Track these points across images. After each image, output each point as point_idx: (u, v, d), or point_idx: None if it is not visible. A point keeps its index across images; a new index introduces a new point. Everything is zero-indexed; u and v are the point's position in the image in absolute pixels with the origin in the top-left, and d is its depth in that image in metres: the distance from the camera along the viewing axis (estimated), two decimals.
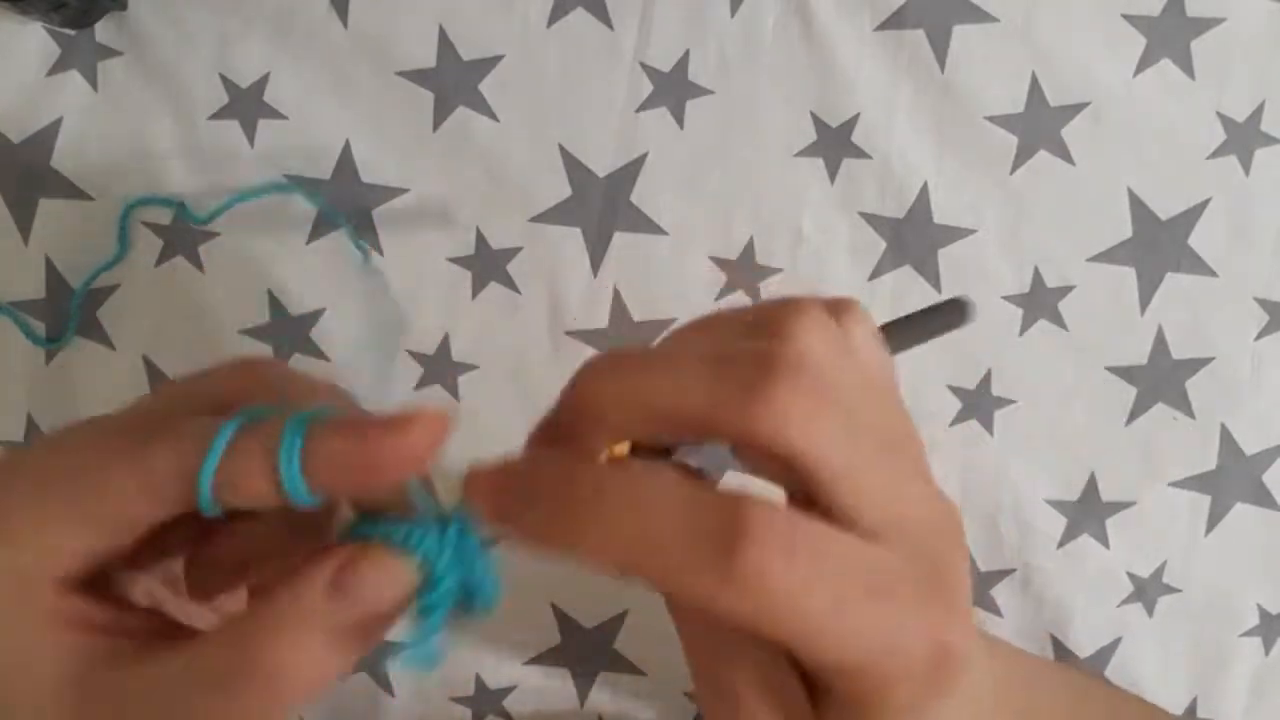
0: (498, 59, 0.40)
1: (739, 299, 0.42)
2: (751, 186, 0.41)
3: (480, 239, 0.41)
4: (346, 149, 0.40)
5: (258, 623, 0.22)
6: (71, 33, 0.39)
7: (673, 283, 0.41)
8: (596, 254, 0.41)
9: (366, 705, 0.44)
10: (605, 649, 0.44)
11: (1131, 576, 0.43)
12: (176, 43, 0.40)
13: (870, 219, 0.41)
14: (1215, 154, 0.41)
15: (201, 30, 0.39)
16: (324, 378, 0.27)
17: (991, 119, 0.41)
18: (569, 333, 0.42)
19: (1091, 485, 0.43)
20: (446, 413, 0.24)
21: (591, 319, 0.41)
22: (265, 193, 0.40)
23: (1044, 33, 0.40)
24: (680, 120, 0.41)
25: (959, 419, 0.42)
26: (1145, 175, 0.41)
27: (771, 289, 0.42)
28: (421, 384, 0.42)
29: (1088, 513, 0.43)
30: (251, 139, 0.40)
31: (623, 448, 0.24)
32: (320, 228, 0.41)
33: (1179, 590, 0.43)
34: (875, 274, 0.41)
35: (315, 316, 0.41)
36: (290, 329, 0.41)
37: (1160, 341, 0.42)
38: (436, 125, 0.40)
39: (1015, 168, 0.41)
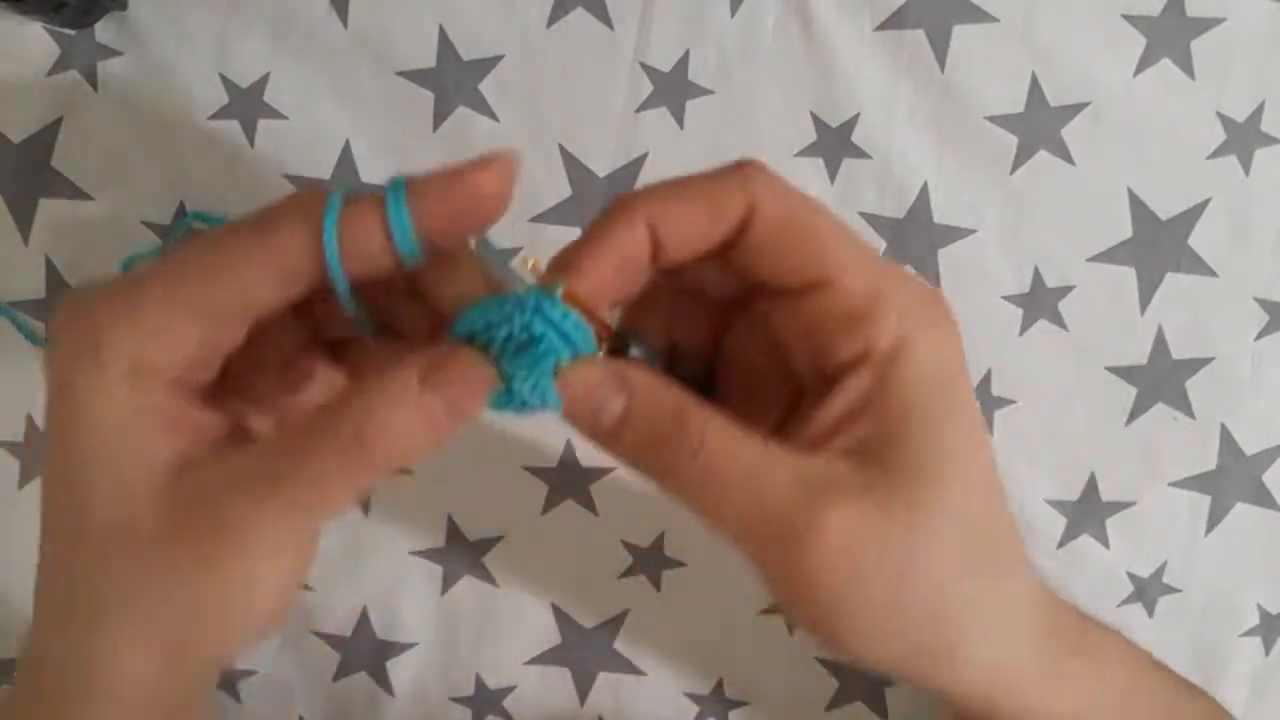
0: (498, 59, 0.40)
1: None
2: None
3: (480, 239, 0.41)
4: (346, 149, 0.40)
5: (360, 397, 0.25)
6: (72, 33, 0.39)
7: None
8: None
9: (367, 705, 0.44)
10: (605, 649, 0.44)
11: (1131, 576, 0.43)
12: (176, 43, 0.40)
13: (870, 219, 0.41)
14: (1215, 154, 0.41)
15: (201, 30, 0.39)
16: None
17: (991, 119, 0.41)
18: None
19: (1091, 485, 0.43)
20: (514, 154, 0.26)
21: None
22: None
23: (1044, 33, 0.40)
24: (680, 120, 0.41)
25: None
26: (1145, 175, 0.41)
27: None
28: None
29: (1088, 513, 0.43)
30: (251, 139, 0.40)
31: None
32: None
33: (1179, 590, 0.43)
34: None
35: None
36: None
37: (1160, 341, 0.42)
38: (436, 125, 0.40)
39: (1015, 168, 0.41)
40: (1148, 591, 0.43)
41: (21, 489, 0.42)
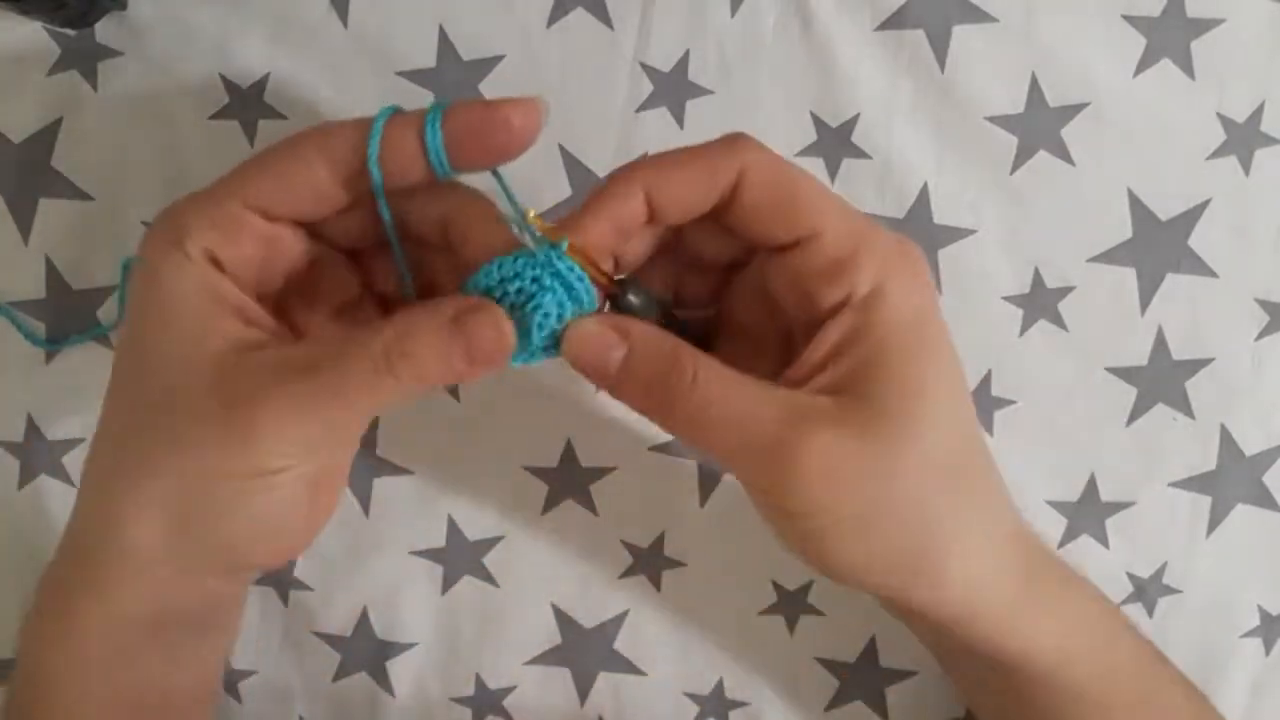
0: (498, 59, 0.40)
1: None
2: None
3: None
4: None
5: (399, 320, 0.29)
6: (71, 33, 0.39)
7: None
8: None
9: (367, 705, 0.44)
10: (605, 649, 0.44)
11: (1131, 577, 0.43)
12: (176, 43, 0.40)
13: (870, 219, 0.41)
14: (1215, 154, 0.41)
15: (201, 30, 0.39)
16: None
17: (991, 119, 0.41)
18: None
19: (1091, 486, 0.43)
20: (542, 100, 0.30)
21: None
22: None
23: (1044, 33, 0.40)
24: (680, 120, 0.41)
25: None
26: (1145, 176, 0.41)
27: None
28: None
29: (1087, 513, 0.43)
30: (252, 139, 0.40)
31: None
32: None
33: (1179, 591, 0.43)
34: None
35: None
36: None
37: (1160, 342, 0.42)
38: None
39: (1015, 168, 0.41)
40: (1148, 592, 0.43)
41: (21, 489, 0.42)
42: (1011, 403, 0.42)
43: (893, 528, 0.30)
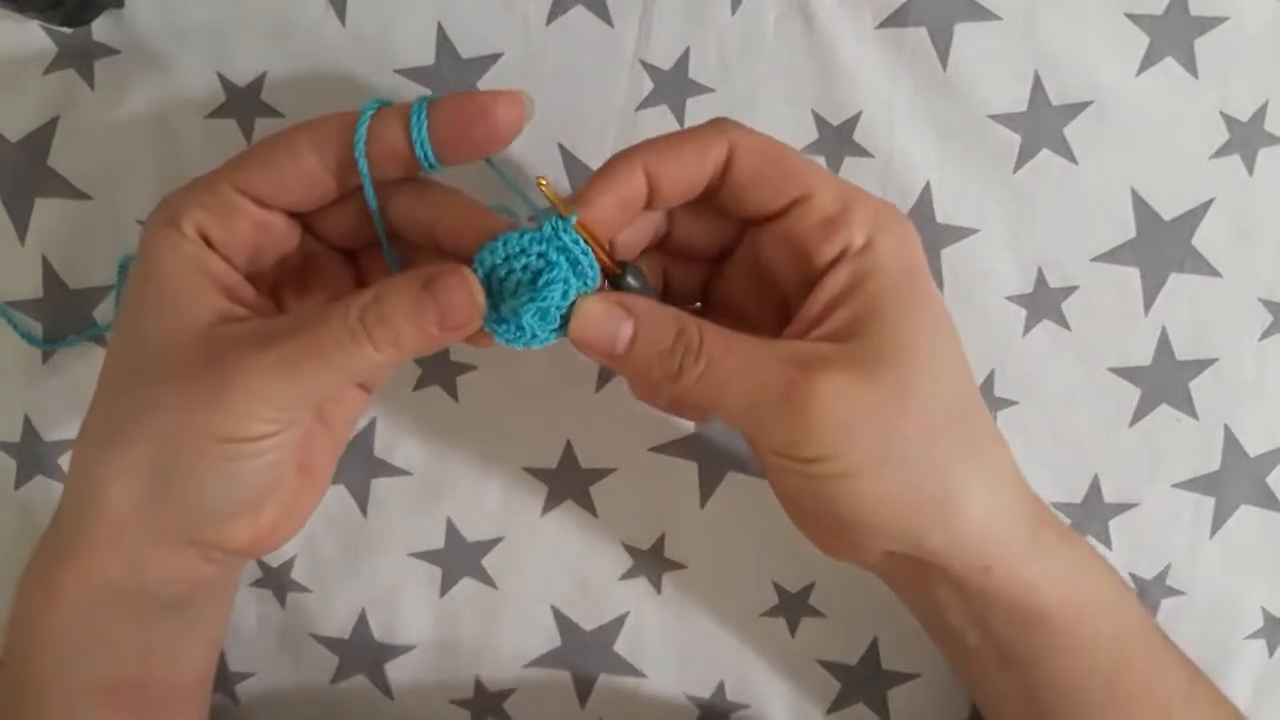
0: (496, 57, 0.40)
1: None
2: None
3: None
4: None
5: (370, 289, 0.30)
6: (68, 31, 0.39)
7: None
8: None
9: (365, 708, 0.44)
10: (605, 651, 0.44)
11: (1135, 578, 0.43)
12: (173, 41, 0.39)
13: None
14: (1219, 153, 0.41)
15: (198, 29, 0.39)
16: None
17: (994, 118, 0.40)
18: None
19: (1095, 487, 0.42)
20: (526, 93, 0.31)
21: None
22: None
23: (1047, 31, 0.40)
24: (681, 119, 0.40)
25: None
26: (1148, 175, 0.41)
27: None
28: (420, 384, 0.42)
29: (1091, 514, 0.43)
30: (249, 137, 0.40)
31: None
32: None
33: (1183, 593, 0.43)
34: None
35: None
36: None
37: (1164, 342, 0.42)
38: None
39: (1018, 167, 0.41)
40: (1151, 593, 0.43)
41: (19, 489, 0.42)
42: (1014, 403, 0.42)
43: (909, 466, 0.30)
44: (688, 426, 0.42)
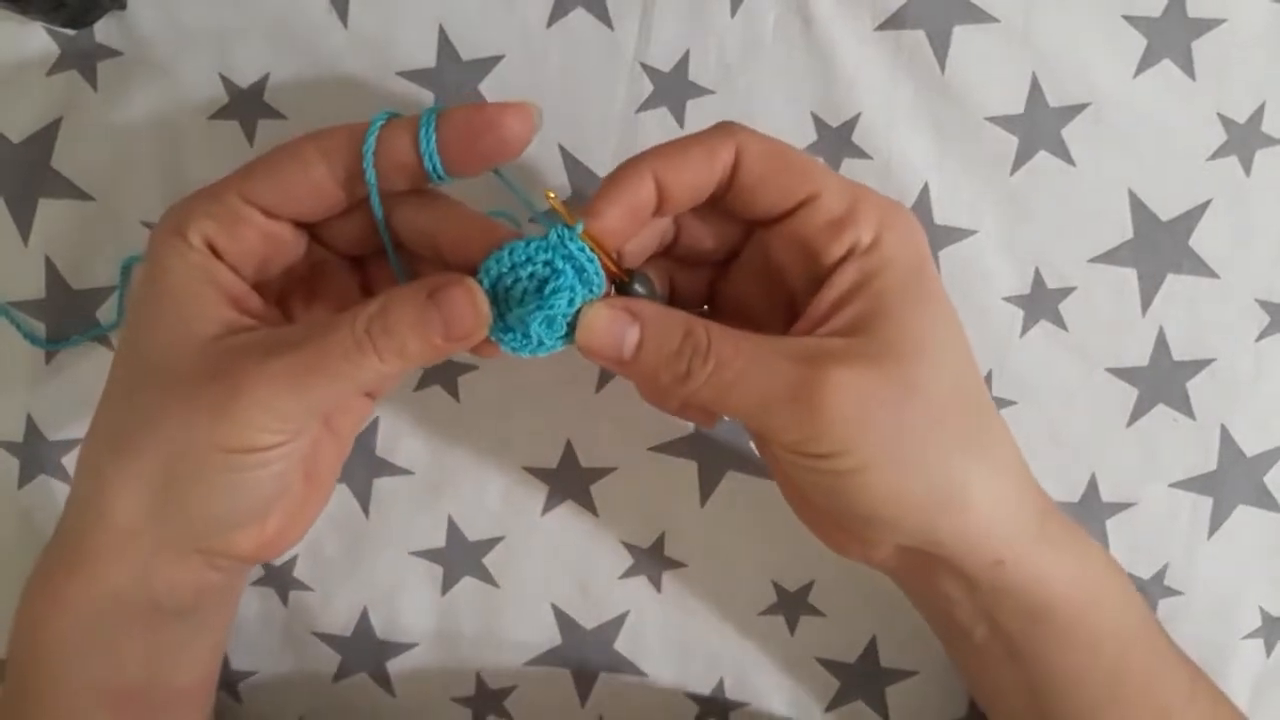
0: (498, 59, 0.40)
1: None
2: None
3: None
4: None
5: (376, 299, 0.30)
6: (71, 32, 0.39)
7: None
8: None
9: (367, 706, 0.44)
10: (606, 649, 0.44)
11: (1133, 578, 0.43)
12: (176, 43, 0.39)
13: None
14: (1216, 155, 0.41)
15: (201, 30, 0.39)
16: None
17: (992, 119, 0.40)
18: None
19: (1092, 486, 0.43)
20: (535, 105, 0.31)
21: None
22: None
23: (1044, 33, 0.40)
24: (681, 121, 0.40)
25: None
26: (1146, 176, 0.41)
27: None
28: (421, 385, 0.42)
29: (1089, 514, 0.43)
30: (251, 139, 0.40)
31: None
32: None
33: (1180, 593, 0.43)
34: None
35: None
36: None
37: (1161, 343, 0.42)
38: None
39: (1016, 168, 0.41)
40: (1149, 593, 0.43)
41: (21, 488, 0.42)
42: (1012, 403, 0.42)
43: (919, 459, 0.31)
44: (688, 426, 0.42)
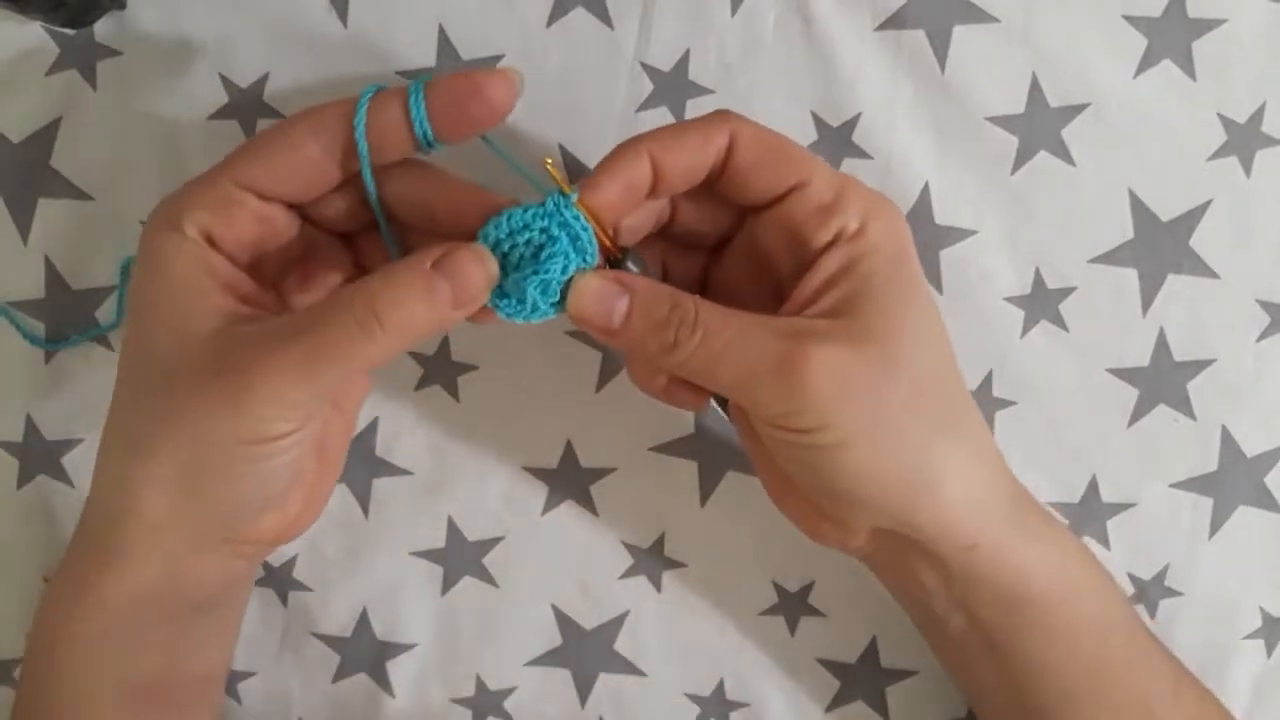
0: (497, 59, 0.40)
1: None
2: None
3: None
4: None
5: (379, 274, 0.30)
6: (70, 32, 0.39)
7: None
8: None
9: (367, 706, 0.44)
10: (606, 650, 0.44)
11: (1133, 579, 0.43)
12: (176, 42, 0.39)
13: None
14: (1216, 155, 0.41)
15: (201, 30, 0.39)
16: None
17: (992, 119, 0.40)
18: (568, 333, 0.42)
19: (1093, 487, 0.43)
20: (517, 71, 0.32)
21: None
22: None
23: (1045, 33, 0.40)
24: (681, 120, 0.40)
25: None
26: (1146, 176, 0.41)
27: None
28: (421, 384, 0.42)
29: (1089, 514, 0.43)
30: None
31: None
32: None
33: (1181, 593, 0.43)
34: None
35: None
36: None
37: (1162, 343, 0.42)
38: None
39: (1016, 168, 0.41)
40: (1150, 594, 0.43)
41: (20, 489, 0.42)
42: (1012, 403, 0.42)
43: (896, 437, 0.32)
44: (688, 426, 0.42)
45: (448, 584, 0.43)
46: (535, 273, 0.31)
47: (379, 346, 0.29)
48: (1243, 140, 0.41)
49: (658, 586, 0.44)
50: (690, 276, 0.38)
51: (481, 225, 0.32)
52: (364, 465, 0.42)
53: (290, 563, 0.43)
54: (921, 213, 0.41)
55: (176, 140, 0.40)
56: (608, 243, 0.33)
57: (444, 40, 0.40)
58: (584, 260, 0.32)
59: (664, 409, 0.41)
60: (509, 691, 0.44)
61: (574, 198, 0.31)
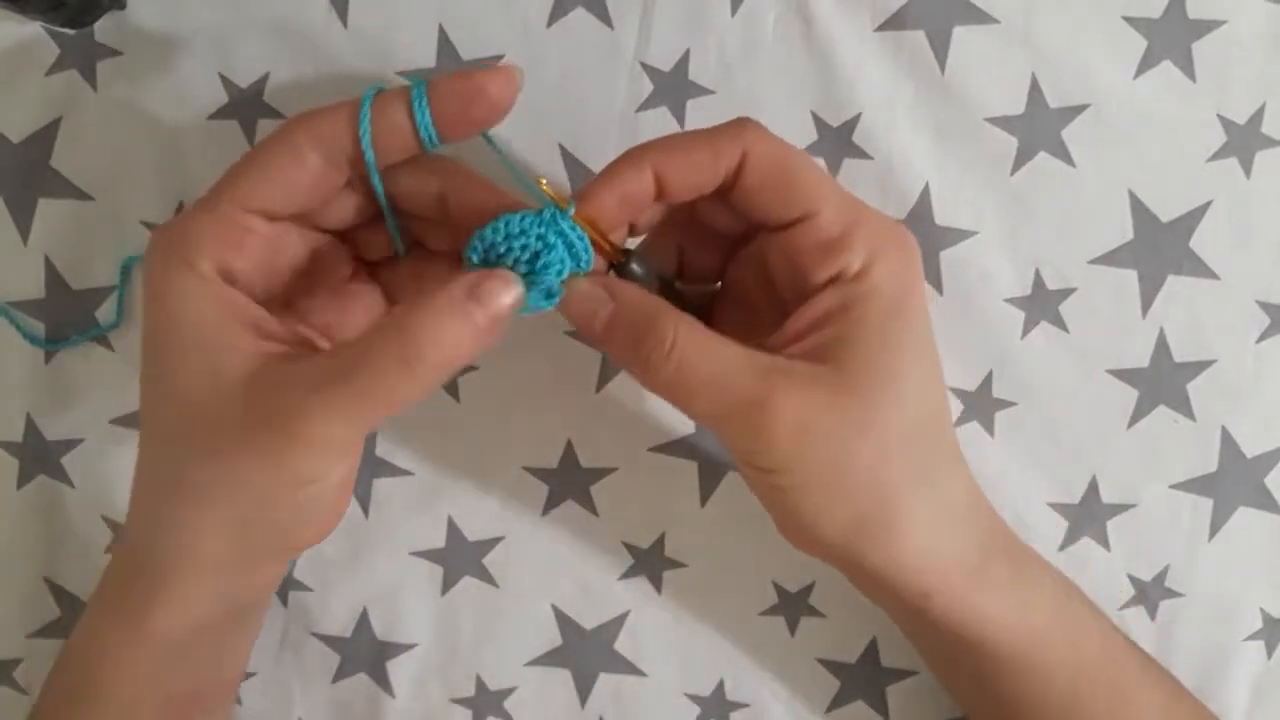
0: (497, 59, 0.40)
1: None
2: None
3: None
4: None
5: (415, 309, 0.29)
6: (70, 32, 0.39)
7: None
8: None
9: (367, 706, 0.44)
10: (606, 650, 0.44)
11: (1133, 580, 0.43)
12: (176, 42, 0.39)
13: None
14: (1216, 156, 0.41)
15: (201, 30, 0.39)
16: None
17: (992, 120, 0.40)
18: (568, 333, 0.42)
19: (1093, 488, 0.43)
20: (517, 68, 0.31)
21: None
22: None
23: (1044, 34, 0.40)
24: (681, 120, 0.40)
25: (960, 421, 0.42)
26: (1146, 177, 0.41)
27: None
28: None
29: (1089, 515, 0.43)
30: (251, 139, 0.40)
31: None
32: None
33: (1181, 595, 0.43)
34: None
35: None
36: None
37: (1162, 344, 0.42)
38: None
39: (1016, 169, 0.41)
40: (1150, 595, 0.43)
41: (21, 489, 0.42)
42: (1012, 404, 0.42)
43: (851, 489, 0.32)
44: (688, 426, 0.42)
45: (448, 584, 0.43)
46: (530, 275, 0.31)
47: (421, 384, 0.29)
48: (1243, 141, 0.41)
49: (658, 587, 0.44)
50: (710, 269, 0.37)
51: (490, 219, 0.32)
52: (364, 465, 0.42)
53: (290, 564, 0.43)
54: (922, 213, 0.41)
55: (177, 140, 0.40)
56: (606, 247, 0.33)
57: (444, 40, 0.40)
58: (579, 266, 0.32)
59: (664, 409, 0.41)
60: (509, 691, 0.44)
61: (570, 210, 0.32)
